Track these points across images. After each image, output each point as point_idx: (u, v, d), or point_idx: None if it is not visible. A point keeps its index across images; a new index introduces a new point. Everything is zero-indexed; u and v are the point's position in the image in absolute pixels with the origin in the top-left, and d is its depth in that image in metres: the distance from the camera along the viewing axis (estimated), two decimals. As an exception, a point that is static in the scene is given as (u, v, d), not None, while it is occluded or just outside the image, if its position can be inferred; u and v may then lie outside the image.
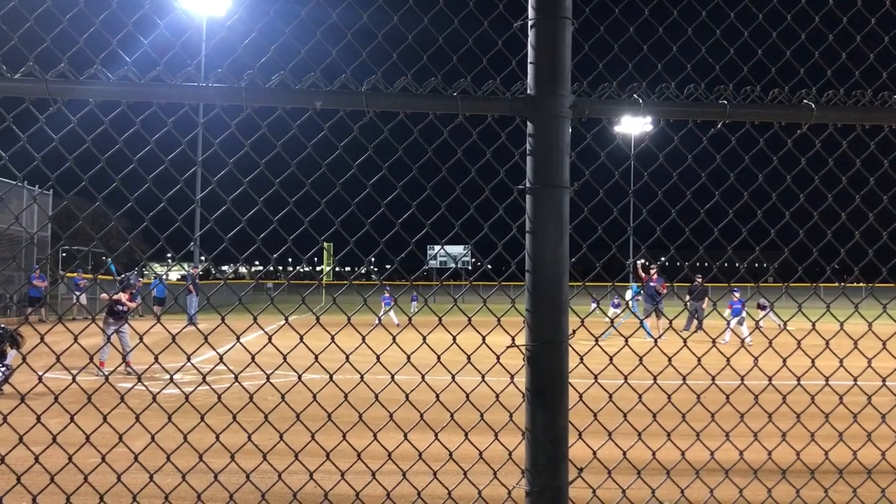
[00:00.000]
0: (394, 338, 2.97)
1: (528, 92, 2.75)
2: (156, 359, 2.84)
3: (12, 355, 11.92)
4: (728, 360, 3.13)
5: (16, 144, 2.84)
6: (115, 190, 2.90)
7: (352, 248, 3.06)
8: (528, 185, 2.76)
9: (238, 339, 2.86)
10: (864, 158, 3.06)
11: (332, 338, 2.86)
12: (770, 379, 3.16)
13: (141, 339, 2.87)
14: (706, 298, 25.75)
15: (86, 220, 3.10)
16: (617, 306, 29.28)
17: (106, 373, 13.05)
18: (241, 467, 3.00)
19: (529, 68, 2.75)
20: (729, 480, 3.24)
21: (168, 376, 3.03)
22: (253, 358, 2.89)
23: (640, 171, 3.16)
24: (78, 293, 31.67)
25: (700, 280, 26.06)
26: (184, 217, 2.91)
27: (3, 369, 11.70)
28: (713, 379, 3.13)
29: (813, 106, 2.84)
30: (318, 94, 2.71)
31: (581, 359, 2.89)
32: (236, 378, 2.87)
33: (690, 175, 3.14)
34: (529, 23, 2.75)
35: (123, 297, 14.68)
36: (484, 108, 2.80)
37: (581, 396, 2.92)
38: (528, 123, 2.76)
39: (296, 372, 2.93)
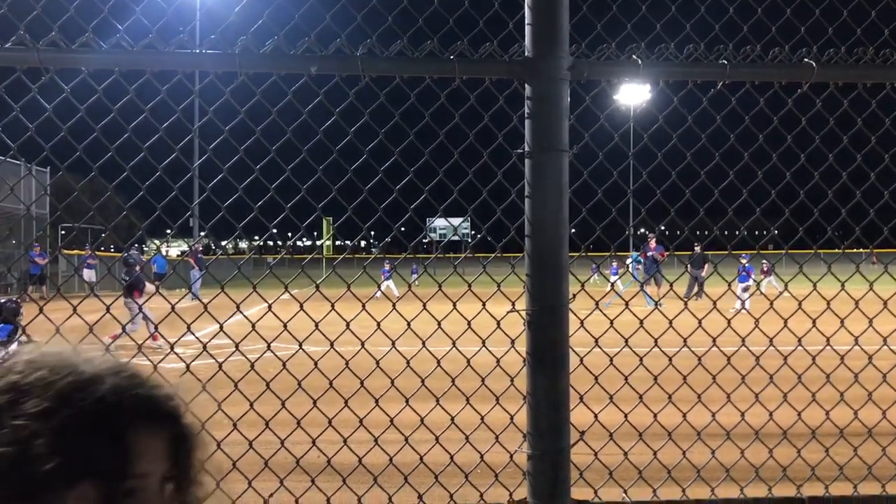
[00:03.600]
0: (394, 304, 2.97)
1: (526, 54, 2.71)
2: (156, 328, 2.84)
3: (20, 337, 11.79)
4: (729, 322, 3.13)
5: (8, 115, 2.81)
6: (111, 161, 2.88)
7: (350, 217, 3.05)
8: (526, 148, 2.74)
9: (238, 307, 2.85)
10: (865, 117, 3.04)
11: (332, 305, 2.85)
12: (771, 341, 3.16)
13: (140, 309, 2.86)
14: (706, 265, 25.73)
15: (82, 193, 3.08)
16: (615, 272, 29.30)
17: (160, 344, 13.07)
18: (244, 436, 3.01)
19: (527, 30, 2.71)
20: (731, 442, 3.25)
21: (170, 348, 3.03)
22: (253, 326, 2.89)
23: (640, 134, 3.13)
24: (87, 270, 31.71)
25: (699, 247, 26.03)
26: (181, 186, 2.89)
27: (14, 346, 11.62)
28: (714, 341, 3.12)
29: (814, 64, 2.81)
30: (312, 60, 2.68)
31: (581, 323, 2.88)
32: (237, 347, 2.86)
33: (690, 137, 3.12)
34: (526, -17, 2.71)
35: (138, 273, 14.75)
36: (481, 70, 2.77)
37: (582, 360, 2.91)
38: (527, 86, 2.73)
39: (297, 340, 2.93)
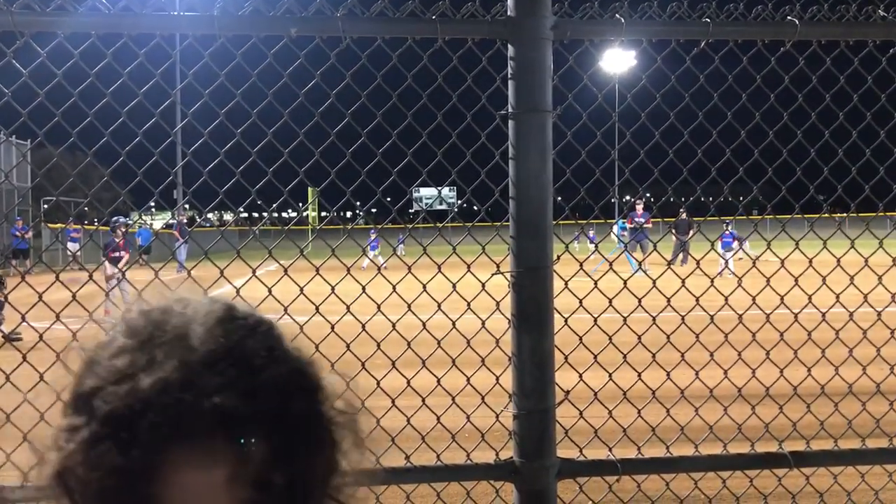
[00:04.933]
0: (379, 269, 2.97)
1: (509, 14, 2.69)
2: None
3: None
4: (712, 281, 3.15)
5: (-16, 80, 2.76)
6: (91, 127, 2.84)
7: (334, 182, 3.03)
8: (510, 110, 2.73)
9: (222, 273, 2.85)
10: (847, 75, 3.04)
11: (318, 270, 2.85)
12: (754, 300, 3.18)
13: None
14: (690, 231, 25.88)
15: (63, 162, 3.04)
16: (594, 240, 29.42)
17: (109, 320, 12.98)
18: None
19: (509, -11, 2.68)
20: (715, 402, 3.29)
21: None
22: (238, 291, 2.88)
23: (625, 96, 3.12)
24: (72, 244, 31.43)
25: (684, 213, 26.15)
26: (162, 151, 2.86)
27: None
28: (697, 301, 3.14)
29: (797, 22, 2.80)
30: (292, 21, 2.65)
31: (566, 284, 2.90)
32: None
33: (674, 97, 3.11)
34: (508, -59, 2.68)
35: (116, 239, 14.53)
36: (463, 31, 2.75)
37: (566, 322, 2.93)
38: (510, 46, 2.71)
39: (283, 305, 2.93)
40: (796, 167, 3.05)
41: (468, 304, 2.89)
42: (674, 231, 27.44)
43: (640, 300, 3.02)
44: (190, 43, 2.73)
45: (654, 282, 3.05)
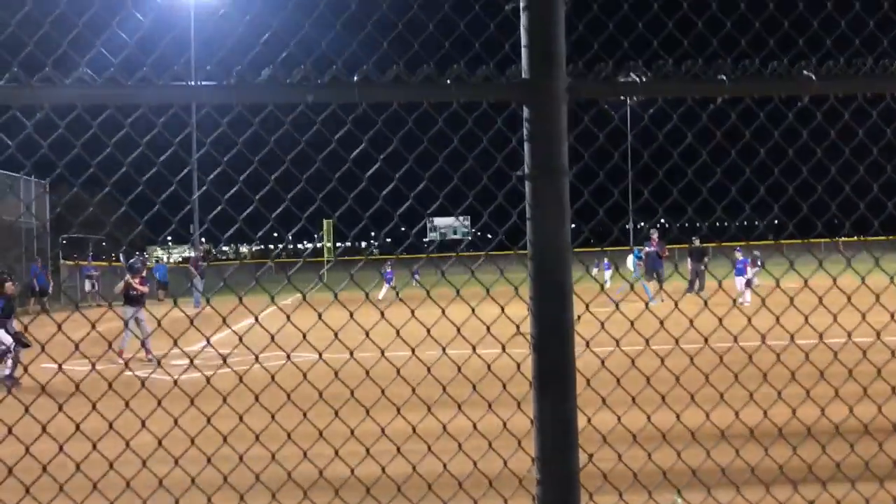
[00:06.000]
0: (382, 313, 2.95)
1: (523, 76, 2.69)
2: (175, 343, 2.83)
3: (6, 339, 11.45)
4: (720, 320, 3.12)
5: (5, 153, 2.80)
6: (110, 196, 2.86)
7: (349, 239, 3.02)
8: (526, 171, 2.72)
9: (224, 320, 2.84)
10: (867, 129, 3.02)
11: (320, 315, 2.83)
12: (763, 338, 3.15)
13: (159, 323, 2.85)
14: (705, 258, 25.88)
15: (82, 209, 3.09)
16: (608, 267, 29.31)
17: (123, 361, 12.99)
18: (235, 450, 3.01)
19: (523, 52, 2.69)
20: (726, 443, 3.26)
21: (160, 362, 3.02)
22: (241, 339, 2.88)
23: (639, 151, 3.11)
24: (90, 281, 31.69)
25: (697, 240, 26.17)
26: (180, 218, 2.88)
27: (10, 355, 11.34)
28: (706, 341, 3.11)
29: (813, 77, 2.79)
30: (309, 88, 2.66)
31: (578, 317, 2.88)
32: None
33: (687, 146, 3.09)
34: (521, 4, 2.69)
35: (134, 281, 14.61)
36: (479, 94, 2.75)
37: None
38: (525, 108, 2.71)
39: (285, 352, 2.92)
40: (818, 224, 3.02)
41: (473, 349, 2.87)
42: (688, 259, 27.36)
43: (647, 340, 3.00)
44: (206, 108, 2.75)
45: (661, 322, 3.02)
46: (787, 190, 3.08)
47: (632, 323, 3.05)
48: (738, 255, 22.68)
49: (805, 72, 2.81)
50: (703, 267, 25.61)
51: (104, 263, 32.59)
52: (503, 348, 2.95)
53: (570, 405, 2.71)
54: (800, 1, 2.93)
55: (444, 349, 2.92)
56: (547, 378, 2.70)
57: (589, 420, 3.02)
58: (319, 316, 2.82)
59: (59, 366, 2.86)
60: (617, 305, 3.11)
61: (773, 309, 3.13)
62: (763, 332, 3.12)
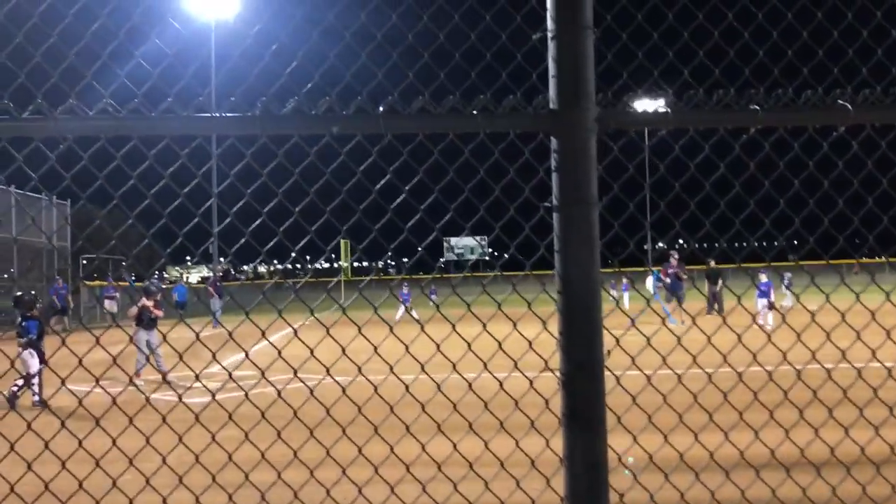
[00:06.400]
0: (391, 328, 2.90)
1: (551, 106, 2.64)
2: (180, 357, 2.79)
3: (35, 365, 11.48)
4: (739, 338, 3.05)
5: (30, 183, 2.78)
6: (133, 208, 2.85)
7: (373, 273, 2.97)
8: (554, 202, 2.66)
9: (263, 334, 2.80)
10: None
11: (330, 333, 2.79)
12: (784, 357, 3.07)
13: (165, 339, 2.82)
14: (720, 280, 25.82)
15: (103, 228, 3.08)
16: (626, 289, 29.18)
17: (141, 384, 13.02)
18: (281, 477, 2.99)
19: (551, 82, 2.64)
20: (745, 470, 3.18)
21: (189, 384, 2.98)
22: (279, 353, 2.83)
23: (670, 183, 3.05)
24: (109, 303, 31.90)
25: (712, 263, 26.08)
26: (199, 240, 2.84)
27: (33, 379, 11.33)
28: (725, 359, 3.04)
29: (849, 107, 2.72)
30: (334, 119, 2.62)
31: (608, 352, 2.81)
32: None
33: (714, 174, 3.03)
34: (549, 35, 2.64)
35: (149, 304, 14.64)
36: (506, 125, 2.70)
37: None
38: (553, 139, 2.66)
39: (331, 373, 2.87)
40: (856, 258, 2.94)
41: (485, 365, 2.81)
42: (706, 281, 27.25)
43: (664, 358, 2.94)
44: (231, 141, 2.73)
45: (678, 339, 2.94)
46: (820, 221, 3.00)
47: (648, 340, 2.98)
48: (763, 278, 22.45)
49: (840, 101, 2.74)
50: (718, 289, 25.48)
51: (125, 284, 32.80)
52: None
53: (601, 444, 2.63)
54: (834, 28, 2.86)
55: (454, 366, 2.89)
56: (576, 416, 2.63)
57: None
58: (328, 331, 2.79)
59: (63, 381, 2.85)
60: (633, 321, 3.05)
61: (795, 329, 3.07)
62: (784, 352, 3.06)
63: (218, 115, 2.65)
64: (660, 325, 2.97)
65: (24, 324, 11.78)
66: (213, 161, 2.68)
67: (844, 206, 2.96)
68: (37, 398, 11.39)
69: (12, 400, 10.99)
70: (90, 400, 2.83)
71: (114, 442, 2.95)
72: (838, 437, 3.22)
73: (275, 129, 2.64)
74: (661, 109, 2.73)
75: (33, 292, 12.71)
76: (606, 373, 2.79)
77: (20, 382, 11.34)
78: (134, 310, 14.75)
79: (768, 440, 3.13)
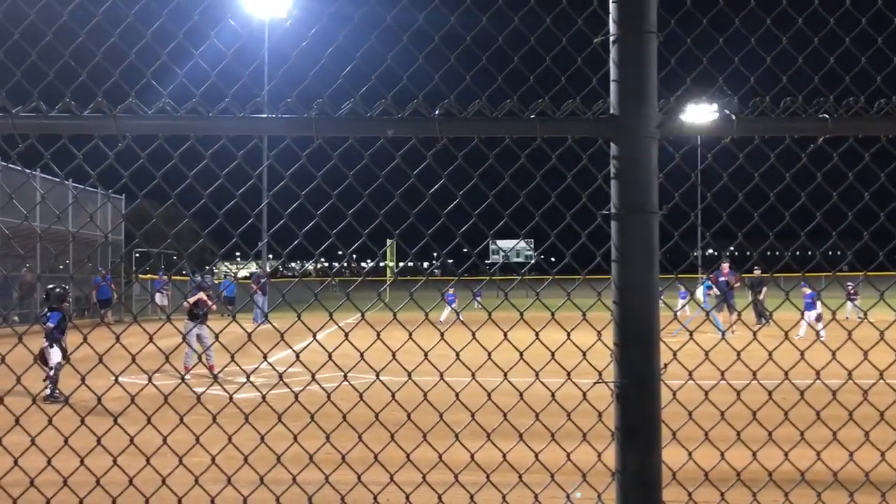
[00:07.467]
0: (441, 334, 2.86)
1: (612, 111, 2.58)
2: (232, 357, 2.80)
3: (56, 357, 11.69)
4: (802, 353, 2.94)
5: (87, 181, 2.81)
6: (187, 205, 2.87)
7: (414, 263, 2.95)
8: (613, 210, 2.60)
9: (314, 336, 2.79)
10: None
11: (410, 334, 2.76)
12: (850, 374, 2.96)
13: (217, 338, 2.83)
14: (763, 289, 25.56)
15: (158, 221, 3.11)
16: (684, 296, 28.77)
17: (189, 378, 13.19)
18: (323, 473, 2.98)
19: (612, 86, 2.58)
20: (805, 486, 3.07)
21: (241, 379, 2.98)
22: (330, 356, 2.81)
23: (734, 193, 2.96)
24: (161, 294, 32.53)
25: (758, 270, 25.75)
26: (248, 236, 2.83)
27: (50, 372, 11.54)
28: (786, 374, 2.93)
29: (925, 116, 2.60)
30: (389, 122, 2.60)
31: (665, 366, 2.74)
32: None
33: (779, 185, 2.94)
34: (611, 38, 2.58)
35: (204, 298, 14.91)
36: (564, 129, 2.65)
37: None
38: (612, 145, 2.59)
39: (375, 370, 2.86)
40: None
41: (536, 374, 2.75)
42: (750, 290, 26.95)
43: (723, 373, 2.85)
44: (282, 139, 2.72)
45: (738, 353, 2.85)
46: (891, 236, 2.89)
47: (706, 354, 2.89)
48: (806, 290, 21.93)
49: (915, 110, 2.63)
50: (759, 297, 25.19)
51: (178, 278, 33.42)
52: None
53: (656, 461, 2.56)
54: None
55: (505, 375, 2.85)
56: (630, 431, 2.56)
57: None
58: (378, 335, 2.76)
59: (116, 378, 2.90)
60: (691, 334, 2.97)
61: (860, 344, 2.96)
62: (849, 369, 2.95)
63: (274, 115, 2.65)
64: (712, 334, 2.89)
65: (47, 313, 12.12)
66: (265, 162, 2.67)
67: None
68: (48, 391, 11.63)
69: (53, 396, 11.33)
70: (141, 393, 2.85)
71: (164, 440, 2.97)
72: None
73: (330, 132, 2.62)
74: (715, 115, 2.65)
75: (66, 286, 12.98)
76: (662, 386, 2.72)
77: (47, 381, 11.59)
78: (189, 303, 14.98)
79: (830, 457, 3.03)
